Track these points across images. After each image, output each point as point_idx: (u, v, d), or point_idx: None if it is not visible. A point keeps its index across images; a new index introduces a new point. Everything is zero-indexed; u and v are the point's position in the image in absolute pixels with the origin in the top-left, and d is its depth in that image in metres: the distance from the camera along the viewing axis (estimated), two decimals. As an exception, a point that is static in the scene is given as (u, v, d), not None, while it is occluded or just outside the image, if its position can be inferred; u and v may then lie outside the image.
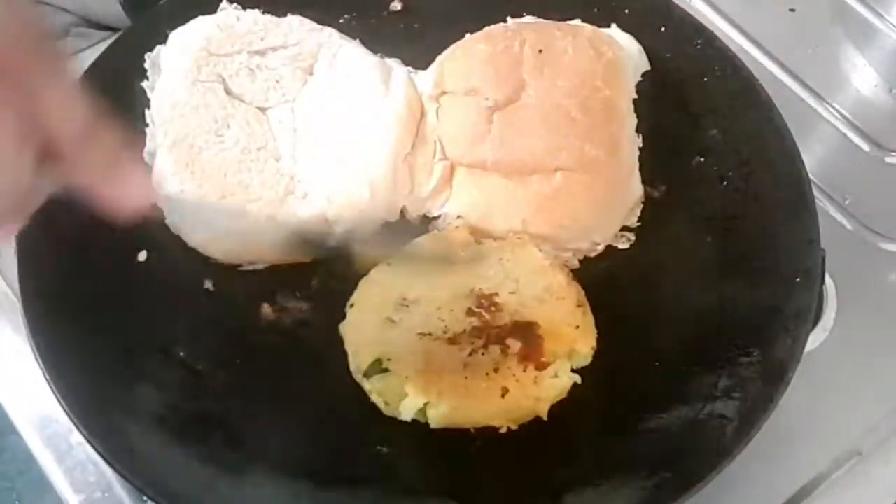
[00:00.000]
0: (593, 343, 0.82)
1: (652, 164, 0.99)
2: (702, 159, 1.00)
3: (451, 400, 0.77)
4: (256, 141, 0.93)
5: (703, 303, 0.91)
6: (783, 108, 0.98)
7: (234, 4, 1.01)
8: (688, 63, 1.03)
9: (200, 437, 0.82)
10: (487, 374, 0.78)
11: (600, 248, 0.94)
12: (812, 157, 0.99)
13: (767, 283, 0.89)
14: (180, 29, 0.98)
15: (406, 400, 0.78)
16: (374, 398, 0.81)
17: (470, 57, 0.97)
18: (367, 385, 0.81)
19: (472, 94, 0.94)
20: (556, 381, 0.79)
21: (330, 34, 1.00)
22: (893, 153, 1.12)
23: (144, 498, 0.80)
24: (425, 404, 0.77)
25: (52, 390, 0.80)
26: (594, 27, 1.01)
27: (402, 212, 0.94)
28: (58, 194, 0.92)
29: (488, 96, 0.93)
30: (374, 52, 1.06)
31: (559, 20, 1.02)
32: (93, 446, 0.78)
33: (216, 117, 0.93)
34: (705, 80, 1.02)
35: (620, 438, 0.83)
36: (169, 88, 0.94)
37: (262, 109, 0.95)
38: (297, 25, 0.99)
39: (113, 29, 1.24)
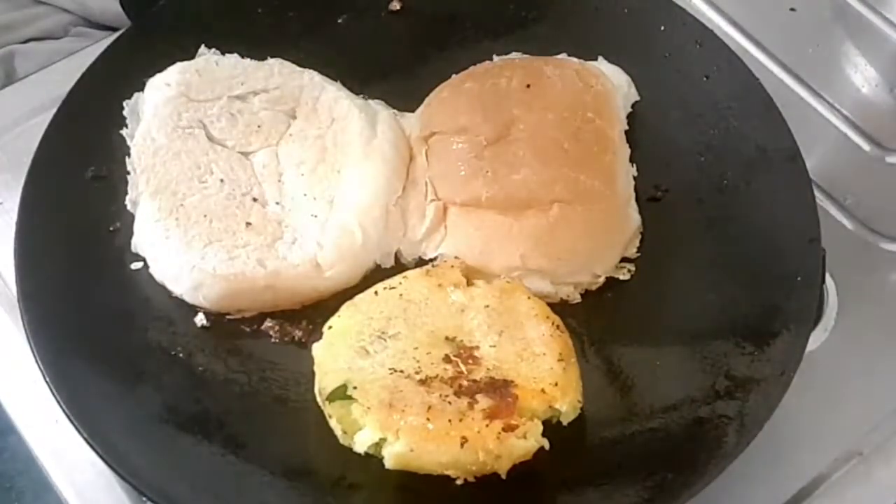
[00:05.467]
0: (577, 398, 0.80)
1: (652, 165, 0.99)
2: (702, 159, 1.00)
3: (409, 440, 0.75)
4: (241, 186, 0.92)
5: (703, 303, 0.91)
6: (783, 108, 0.99)
7: (213, 49, 1.01)
8: (688, 63, 1.03)
9: (200, 437, 0.82)
10: (450, 420, 0.75)
11: (601, 280, 0.92)
12: (812, 156, 0.99)
13: (768, 283, 0.89)
14: (158, 75, 0.98)
15: (362, 431, 0.77)
16: (333, 424, 0.80)
17: (457, 96, 0.97)
18: (327, 409, 0.80)
19: (461, 132, 0.94)
20: (522, 443, 0.75)
21: (311, 77, 0.99)
22: (894, 153, 1.12)
23: (144, 498, 0.80)
24: (382, 440, 0.76)
25: (52, 391, 0.80)
26: (581, 61, 1.01)
27: (397, 255, 0.93)
28: (56, 196, 0.93)
29: (478, 133, 0.93)
30: (373, 52, 1.06)
31: (547, 52, 1.02)
32: (92, 447, 0.78)
33: (198, 163, 0.92)
34: (705, 79, 1.02)
35: (621, 438, 0.83)
36: (149, 135, 0.93)
37: (245, 154, 0.95)
38: (277, 69, 0.99)
39: (113, 29, 1.24)
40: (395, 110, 1.00)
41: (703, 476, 0.78)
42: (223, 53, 1.01)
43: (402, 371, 0.80)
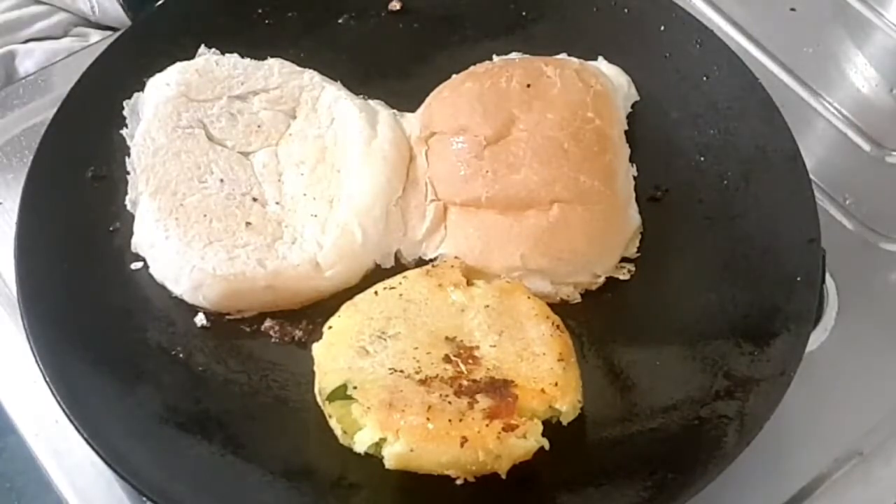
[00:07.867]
0: (577, 398, 0.80)
1: (652, 165, 0.99)
2: (702, 159, 1.00)
3: (409, 440, 0.75)
4: (241, 186, 0.92)
5: (703, 303, 0.91)
6: (783, 108, 0.99)
7: (213, 49, 1.01)
8: (688, 63, 1.03)
9: (200, 437, 0.82)
10: (450, 420, 0.75)
11: (601, 280, 0.92)
12: (812, 156, 0.99)
13: (768, 283, 0.89)
14: (158, 75, 0.98)
15: (362, 431, 0.77)
16: (333, 424, 0.80)
17: (457, 96, 0.97)
18: (327, 409, 0.80)
19: (461, 132, 0.94)
20: (522, 442, 0.75)
21: (311, 77, 0.99)
22: (893, 153, 1.12)
23: (144, 498, 0.80)
24: (382, 440, 0.76)
25: (52, 390, 0.80)
26: (581, 60, 1.02)
27: (397, 256, 0.93)
28: (56, 196, 0.93)
29: (478, 133, 0.93)
30: (373, 52, 1.06)
31: (547, 52, 1.02)
32: (92, 447, 0.78)
33: (198, 163, 0.93)
34: (705, 79, 1.02)
35: (621, 438, 0.83)
36: (149, 135, 0.94)
37: (245, 154, 0.95)
38: (277, 68, 0.99)
39: (113, 29, 1.24)
40: (395, 110, 1.00)
41: (703, 476, 0.78)
42: (223, 53, 1.01)
43: (402, 371, 0.80)
